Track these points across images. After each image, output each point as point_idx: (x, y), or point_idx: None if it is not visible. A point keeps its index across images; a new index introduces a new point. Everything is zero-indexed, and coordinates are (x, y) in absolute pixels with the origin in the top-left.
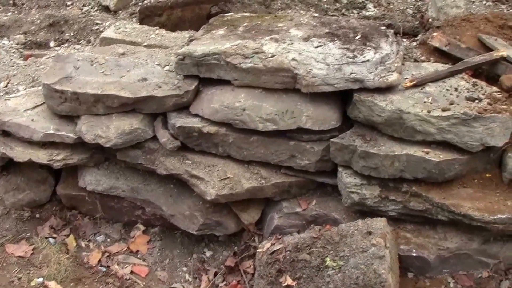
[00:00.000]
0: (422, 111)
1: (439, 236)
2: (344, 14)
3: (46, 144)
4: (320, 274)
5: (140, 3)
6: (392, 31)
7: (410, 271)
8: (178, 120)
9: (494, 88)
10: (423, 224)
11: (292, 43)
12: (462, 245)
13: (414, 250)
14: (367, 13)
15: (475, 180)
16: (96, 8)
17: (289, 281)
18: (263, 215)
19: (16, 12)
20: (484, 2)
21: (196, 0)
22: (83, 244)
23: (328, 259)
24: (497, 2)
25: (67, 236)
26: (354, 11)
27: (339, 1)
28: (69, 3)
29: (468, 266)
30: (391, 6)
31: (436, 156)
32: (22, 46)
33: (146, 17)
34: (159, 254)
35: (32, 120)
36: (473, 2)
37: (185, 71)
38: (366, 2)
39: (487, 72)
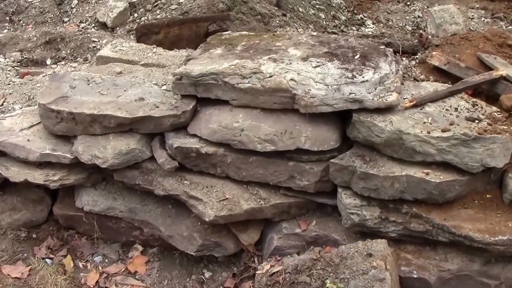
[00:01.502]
0: (421, 131)
1: (440, 257)
2: (343, 31)
3: (43, 164)
4: None
5: (137, 20)
6: (391, 50)
7: None
8: (176, 141)
9: (494, 108)
10: (423, 245)
11: (290, 63)
12: (463, 266)
13: (415, 272)
14: (367, 30)
15: (476, 201)
16: (93, 25)
17: None
18: (262, 236)
19: (12, 29)
20: (483, 19)
21: (194, 18)
22: (80, 264)
23: (328, 281)
24: (496, 18)
25: (64, 256)
26: (353, 27)
27: (338, 18)
28: (66, 19)
29: (469, 287)
30: (390, 23)
31: (436, 177)
32: (18, 63)
33: (143, 35)
34: (157, 275)
35: (28, 140)
36: (472, 18)
37: (182, 91)
38: (365, 19)
39: (486, 92)
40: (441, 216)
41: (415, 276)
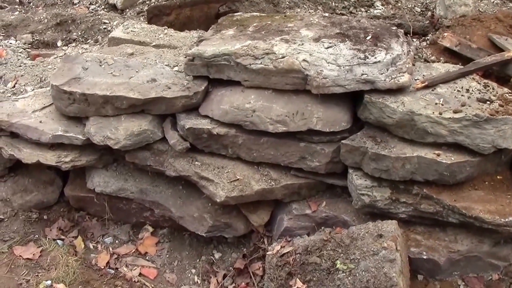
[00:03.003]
0: (433, 112)
1: (450, 238)
2: (352, 13)
3: (54, 145)
4: (330, 277)
5: (147, 2)
6: (402, 31)
7: (420, 274)
8: (188, 122)
9: (506, 89)
10: (433, 226)
11: (302, 44)
12: (472, 247)
13: (424, 253)
14: (375, 11)
15: (486, 183)
16: (103, 7)
17: (299, 284)
18: (272, 217)
19: (23, 11)
20: (493, 0)
21: None
22: (91, 246)
23: (338, 262)
24: (506, 0)
25: (75, 237)
26: (362, 9)
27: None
28: (76, 1)
29: (479, 269)
30: (399, 4)
31: (447, 158)
32: (29, 45)
33: (155, 16)
34: (167, 256)
35: (40, 122)
36: (482, 0)
37: (194, 72)
38: (374, 0)
39: (498, 73)
40: (452, 198)
41: (424, 257)
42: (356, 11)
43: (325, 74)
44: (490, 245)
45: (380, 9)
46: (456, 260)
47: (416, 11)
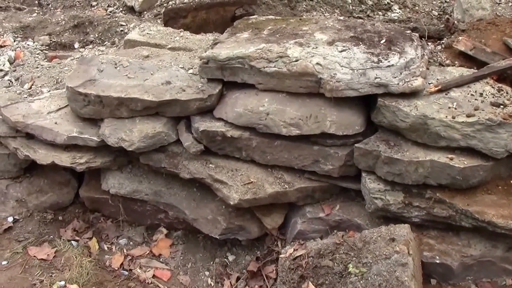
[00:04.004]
0: (446, 116)
1: (463, 243)
2: (369, 16)
3: (69, 146)
4: (342, 280)
5: (165, 4)
6: (417, 34)
7: (433, 278)
8: (202, 124)
9: None
10: (446, 230)
11: (316, 47)
12: (485, 252)
13: (437, 257)
14: (393, 15)
15: (499, 187)
16: (121, 9)
17: (311, 287)
18: (286, 220)
19: (41, 13)
20: (510, 4)
21: (221, 2)
22: (105, 247)
23: (351, 265)
24: None
25: (90, 239)
26: (380, 12)
27: (364, 3)
28: (94, 3)
29: (492, 274)
30: (417, 8)
31: (460, 162)
32: (47, 47)
33: (171, 19)
34: (181, 258)
35: (56, 123)
36: (499, 3)
37: (209, 74)
38: (392, 3)
39: None
40: (465, 202)
41: (437, 261)
42: (374, 14)
43: (339, 77)
44: (504, 249)
45: (398, 13)
46: (469, 264)
47: (434, 15)
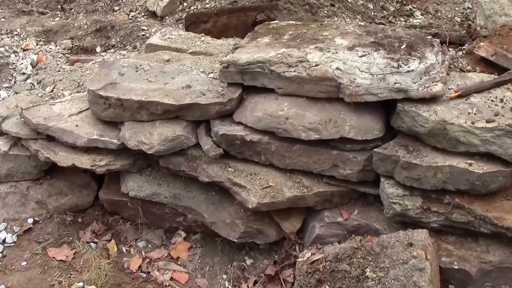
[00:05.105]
0: (466, 122)
1: (481, 248)
2: (391, 22)
3: (90, 149)
4: (359, 285)
5: (186, 9)
6: (438, 40)
7: (451, 284)
8: (221, 128)
9: None
10: (465, 236)
11: (336, 52)
12: (504, 258)
13: (455, 263)
14: (415, 21)
15: None
16: (143, 14)
17: None
18: (304, 224)
19: (64, 17)
20: None
21: (242, 7)
22: (124, 249)
23: (368, 270)
24: None
25: (109, 241)
26: (401, 18)
27: (386, 9)
28: (116, 8)
29: (511, 280)
30: (439, 14)
31: (479, 167)
32: (69, 51)
33: (192, 23)
34: (199, 261)
35: (76, 126)
36: None
37: (229, 79)
38: (414, 9)
39: None
40: (484, 207)
41: (455, 267)
42: (395, 20)
43: (358, 82)
44: None
45: (420, 19)
46: (488, 271)
47: (456, 21)
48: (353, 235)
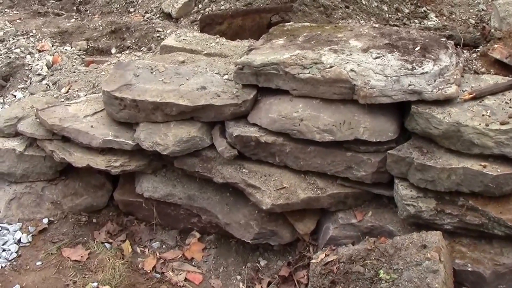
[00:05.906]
0: (480, 124)
1: (495, 251)
2: (405, 24)
3: (105, 150)
4: (373, 286)
5: (201, 11)
6: (452, 42)
7: (464, 286)
8: (236, 129)
9: None
10: (479, 238)
11: (351, 54)
12: None
13: (469, 265)
14: (429, 23)
15: None
16: (158, 15)
17: None
18: (318, 226)
19: (79, 18)
20: None
21: (257, 9)
22: (138, 250)
23: (381, 271)
24: None
25: (123, 241)
26: (416, 20)
27: (400, 11)
28: (131, 10)
29: None
30: (453, 16)
31: (493, 170)
32: (84, 52)
33: (207, 25)
34: (213, 262)
35: (92, 126)
36: None
37: (243, 80)
38: (428, 12)
39: None
40: (498, 210)
41: (469, 269)
42: (410, 22)
43: (372, 84)
44: None
45: (434, 21)
46: (501, 273)
47: (470, 23)
48: (367, 237)
